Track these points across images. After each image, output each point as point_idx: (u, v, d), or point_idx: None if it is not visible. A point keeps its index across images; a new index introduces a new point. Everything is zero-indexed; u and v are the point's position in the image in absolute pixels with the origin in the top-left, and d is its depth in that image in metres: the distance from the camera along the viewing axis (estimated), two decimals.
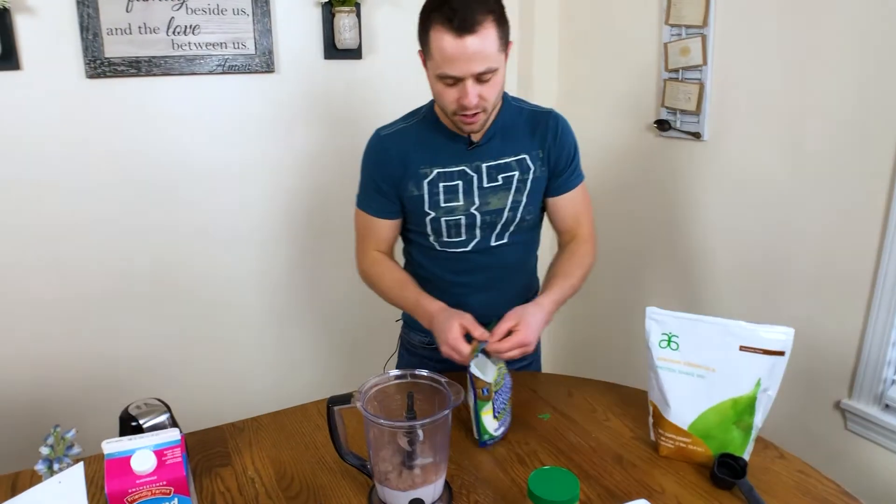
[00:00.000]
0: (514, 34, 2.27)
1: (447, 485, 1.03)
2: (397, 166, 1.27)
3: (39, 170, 1.71)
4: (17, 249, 1.72)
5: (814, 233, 1.58)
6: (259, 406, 1.41)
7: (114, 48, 1.69)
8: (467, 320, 1.15)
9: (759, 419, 1.06)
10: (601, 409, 1.27)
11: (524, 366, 1.46)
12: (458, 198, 1.27)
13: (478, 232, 1.31)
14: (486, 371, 1.11)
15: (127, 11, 1.68)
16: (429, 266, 1.37)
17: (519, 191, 1.29)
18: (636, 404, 1.28)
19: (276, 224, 2.06)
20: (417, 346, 1.48)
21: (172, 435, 0.83)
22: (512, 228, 1.32)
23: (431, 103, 1.29)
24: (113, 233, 1.83)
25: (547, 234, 1.44)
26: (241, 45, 1.85)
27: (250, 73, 1.89)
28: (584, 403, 1.30)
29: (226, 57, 1.84)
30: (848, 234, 1.51)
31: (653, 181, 2.00)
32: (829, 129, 1.51)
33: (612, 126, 2.13)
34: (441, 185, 1.26)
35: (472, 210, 1.28)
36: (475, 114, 1.16)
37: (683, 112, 1.84)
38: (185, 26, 1.76)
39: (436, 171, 1.26)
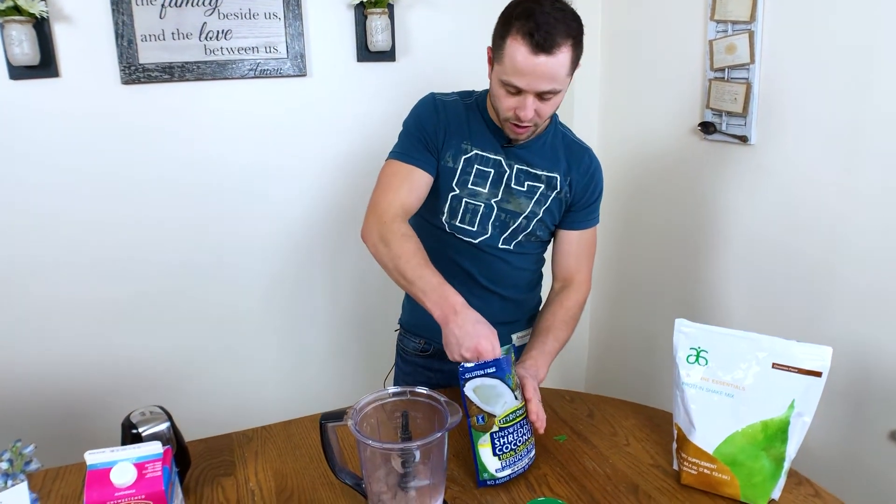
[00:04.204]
0: None
1: None
2: (442, 130, 1.27)
3: (75, 173, 1.75)
4: (48, 250, 1.77)
5: (866, 245, 1.44)
6: (274, 413, 1.40)
7: (148, 54, 1.72)
8: (495, 336, 1.05)
9: (791, 449, 0.97)
10: (622, 433, 1.20)
11: None
12: (485, 184, 1.27)
13: (489, 227, 1.30)
14: (492, 401, 1.01)
15: (160, 18, 1.71)
16: (434, 246, 1.28)
17: (539, 203, 1.29)
18: (661, 429, 1.20)
19: (305, 229, 2.06)
20: (411, 353, 1.46)
21: (155, 448, 0.81)
22: (521, 238, 1.32)
23: (485, 92, 1.30)
24: (143, 235, 1.86)
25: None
26: (272, 50, 1.85)
27: (282, 76, 1.89)
28: (605, 425, 1.22)
29: (258, 61, 1.84)
30: None
31: (695, 187, 1.89)
32: (887, 133, 1.38)
33: (654, 128, 2.03)
34: (476, 166, 1.27)
35: (493, 202, 1.28)
36: (526, 126, 1.18)
37: (729, 114, 1.73)
38: (218, 31, 1.78)
39: (475, 151, 1.27)
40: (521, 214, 1.29)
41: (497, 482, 1.03)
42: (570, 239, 1.35)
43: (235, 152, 1.91)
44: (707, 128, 1.79)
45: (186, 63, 1.77)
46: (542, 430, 1.07)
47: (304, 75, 1.91)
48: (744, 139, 1.70)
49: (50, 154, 1.72)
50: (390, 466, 0.92)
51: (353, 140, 2.02)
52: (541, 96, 1.13)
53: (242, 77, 1.85)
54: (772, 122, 1.63)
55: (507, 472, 1.03)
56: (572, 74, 1.15)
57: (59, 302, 1.81)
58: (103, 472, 0.78)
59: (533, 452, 1.08)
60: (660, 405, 1.31)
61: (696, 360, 1.03)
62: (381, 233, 1.18)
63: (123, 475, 0.78)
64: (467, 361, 1.03)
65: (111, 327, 1.89)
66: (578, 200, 1.32)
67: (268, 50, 1.85)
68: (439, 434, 0.88)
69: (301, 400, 2.13)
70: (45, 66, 1.63)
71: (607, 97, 2.23)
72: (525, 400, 1.08)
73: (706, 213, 1.87)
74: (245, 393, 2.09)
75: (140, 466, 0.80)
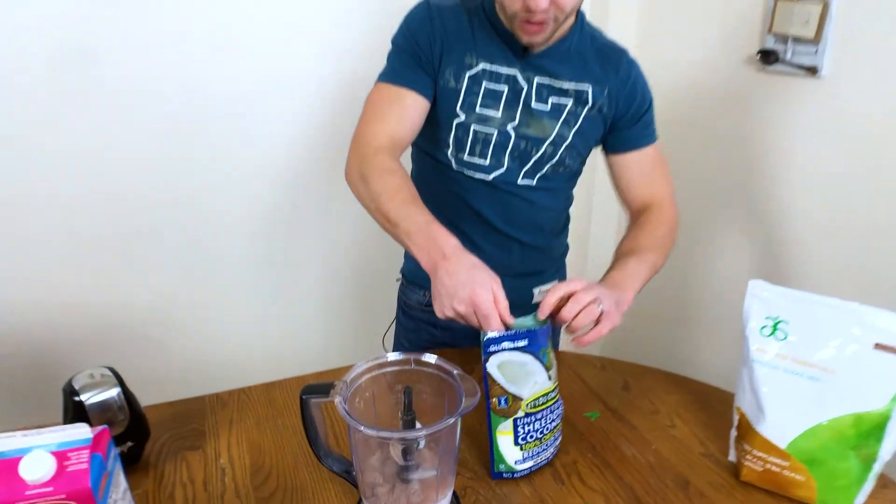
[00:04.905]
0: None
1: (456, 500, 0.81)
2: (439, 42, 1.05)
3: (19, 87, 1.48)
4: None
5: None
6: (255, 373, 1.22)
7: None
8: (497, 284, 0.84)
9: (887, 449, 0.79)
10: (665, 411, 1.02)
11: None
12: (497, 106, 1.06)
13: (506, 159, 1.09)
14: (520, 381, 0.81)
15: None
16: (441, 187, 1.13)
17: (567, 124, 1.07)
18: (710, 409, 1.02)
19: (295, 162, 1.84)
20: (415, 306, 1.29)
21: (81, 432, 0.63)
22: (545, 170, 1.11)
23: None
24: (99, 164, 1.61)
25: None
26: None
27: None
28: (644, 401, 1.04)
29: None
30: None
31: (750, 127, 1.66)
32: None
33: (702, 57, 1.78)
34: (485, 84, 1.05)
35: (509, 128, 1.07)
36: (541, 22, 0.95)
37: (798, 40, 1.48)
38: None
39: (482, 66, 1.05)
40: (546, 140, 1.08)
41: (515, 475, 0.85)
42: (632, 163, 1.13)
43: (216, 67, 1.64)
44: (768, 56, 1.54)
45: None
46: (573, 339, 0.88)
47: None
48: (813, 71, 1.45)
49: None
50: (387, 453, 0.75)
51: (357, 59, 1.77)
52: None
53: None
54: (851, 50, 1.38)
55: (529, 464, 0.85)
56: None
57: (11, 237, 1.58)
58: (12, 463, 0.60)
59: (559, 440, 0.90)
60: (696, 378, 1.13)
61: (773, 332, 0.83)
62: (361, 169, 1.00)
63: (37, 468, 0.60)
64: (460, 318, 0.83)
65: (58, 272, 1.65)
66: (624, 114, 1.10)
67: None
68: (450, 420, 0.70)
69: (287, 358, 1.95)
70: None
71: (648, 16, 1.97)
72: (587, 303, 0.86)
73: (763, 157, 1.64)
74: (221, 349, 1.90)
75: (60, 456, 0.61)
